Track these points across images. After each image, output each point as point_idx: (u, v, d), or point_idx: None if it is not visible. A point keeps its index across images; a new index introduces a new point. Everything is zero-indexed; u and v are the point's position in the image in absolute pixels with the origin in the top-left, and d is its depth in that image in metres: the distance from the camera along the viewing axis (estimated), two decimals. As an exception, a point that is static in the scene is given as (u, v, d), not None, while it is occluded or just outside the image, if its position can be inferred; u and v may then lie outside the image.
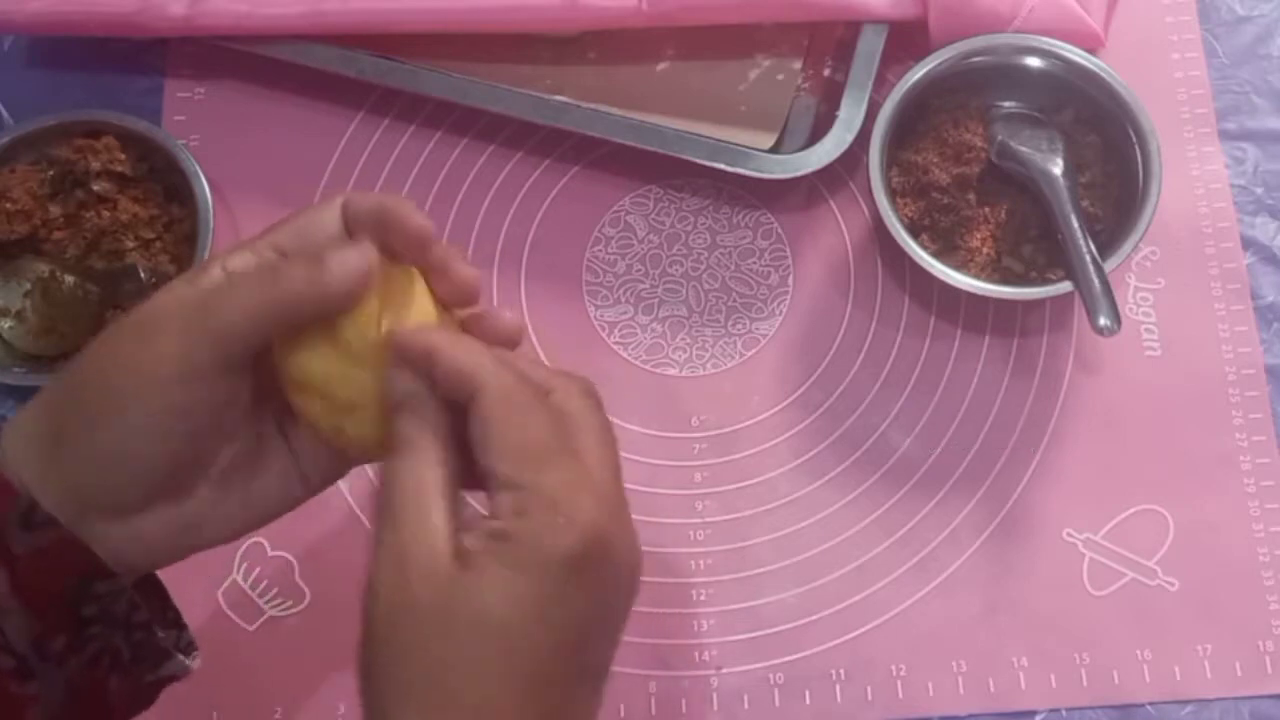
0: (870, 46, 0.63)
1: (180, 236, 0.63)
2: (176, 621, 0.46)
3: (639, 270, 0.65)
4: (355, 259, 0.40)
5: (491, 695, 0.35)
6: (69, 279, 0.62)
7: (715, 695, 0.58)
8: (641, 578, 0.40)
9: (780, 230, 0.65)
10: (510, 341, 0.43)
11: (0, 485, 0.42)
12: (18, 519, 0.41)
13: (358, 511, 0.61)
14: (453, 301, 0.44)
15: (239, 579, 0.60)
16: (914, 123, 0.63)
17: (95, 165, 0.62)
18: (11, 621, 0.41)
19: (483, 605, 0.36)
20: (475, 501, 0.39)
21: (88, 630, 0.43)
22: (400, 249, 0.42)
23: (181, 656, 0.45)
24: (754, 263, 0.65)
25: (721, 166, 0.61)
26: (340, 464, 0.46)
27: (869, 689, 0.58)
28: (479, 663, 0.35)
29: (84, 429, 0.41)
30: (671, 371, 0.63)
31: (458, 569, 0.36)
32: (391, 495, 0.38)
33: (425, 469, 0.38)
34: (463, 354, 0.39)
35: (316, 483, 0.45)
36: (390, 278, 0.42)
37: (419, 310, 0.42)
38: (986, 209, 0.61)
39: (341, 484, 0.61)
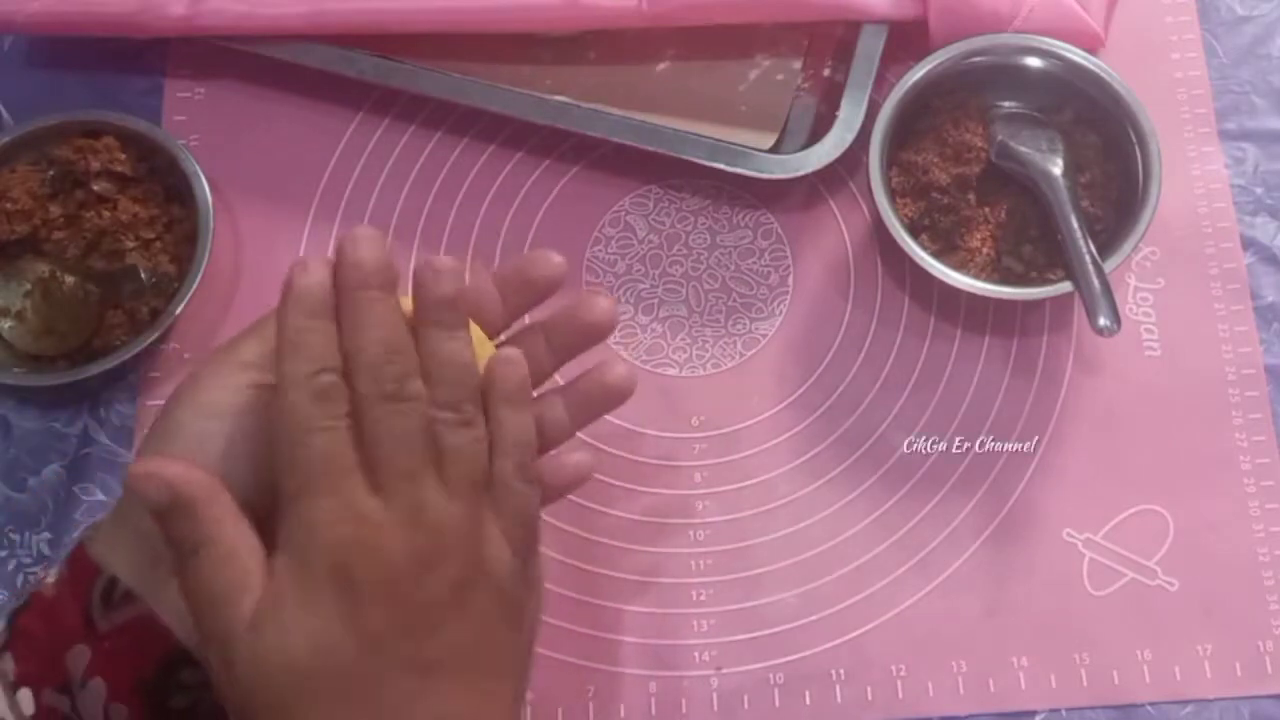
0: (870, 46, 0.63)
1: (180, 236, 0.63)
2: None
3: (639, 270, 0.65)
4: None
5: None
6: (69, 279, 0.62)
7: (715, 695, 0.58)
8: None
9: (780, 230, 0.65)
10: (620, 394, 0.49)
11: (84, 565, 0.43)
12: (100, 596, 0.42)
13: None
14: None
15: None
16: (914, 123, 0.63)
17: (95, 165, 0.62)
18: (87, 699, 0.41)
19: (274, 659, 0.39)
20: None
21: None
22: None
23: None
24: (754, 263, 0.65)
25: (721, 166, 0.61)
26: None
27: (869, 689, 0.58)
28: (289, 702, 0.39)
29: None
30: (671, 371, 0.63)
31: (252, 637, 0.39)
32: (197, 594, 0.40)
33: (224, 565, 0.40)
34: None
35: None
36: None
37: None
38: (986, 209, 0.61)
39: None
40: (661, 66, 0.66)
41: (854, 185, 0.66)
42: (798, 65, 0.66)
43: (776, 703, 0.58)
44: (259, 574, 0.39)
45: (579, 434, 0.51)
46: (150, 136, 0.63)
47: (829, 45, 0.66)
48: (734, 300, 0.64)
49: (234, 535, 0.40)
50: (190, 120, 0.67)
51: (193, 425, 0.43)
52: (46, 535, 0.61)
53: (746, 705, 0.58)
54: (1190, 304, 0.63)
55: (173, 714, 0.43)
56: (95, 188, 0.62)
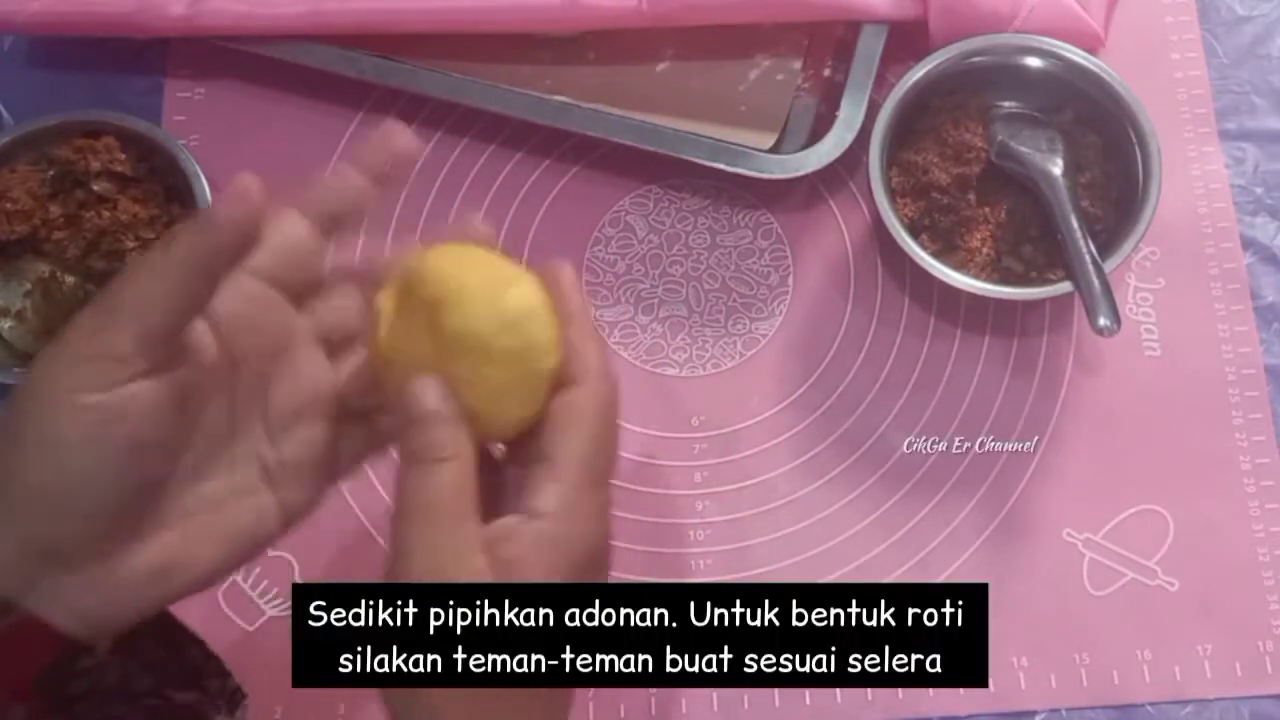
0: (870, 46, 0.63)
1: (180, 236, 0.63)
2: (219, 671, 0.45)
3: (639, 270, 0.65)
4: (239, 184, 0.40)
5: None
6: (69, 279, 0.62)
7: (715, 695, 0.58)
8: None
9: (780, 230, 0.65)
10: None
11: None
12: None
13: (357, 511, 0.61)
14: None
15: (239, 579, 0.60)
16: (914, 123, 0.63)
17: (95, 165, 0.62)
18: None
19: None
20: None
21: (74, 708, 0.42)
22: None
23: (222, 717, 0.42)
24: (754, 263, 0.65)
25: (721, 166, 0.61)
26: (320, 492, 0.45)
27: (869, 689, 0.58)
28: None
29: (22, 472, 0.38)
30: (671, 371, 0.63)
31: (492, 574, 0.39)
32: (428, 501, 0.40)
33: (465, 479, 0.40)
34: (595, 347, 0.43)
35: (295, 515, 0.44)
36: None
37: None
38: (986, 209, 0.61)
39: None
40: (661, 66, 0.66)
41: (854, 185, 0.66)
42: (798, 65, 0.66)
43: (777, 703, 0.58)
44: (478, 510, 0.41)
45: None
46: (150, 136, 0.63)
47: (829, 45, 0.66)
48: (734, 300, 0.64)
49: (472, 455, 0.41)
50: (190, 120, 0.67)
51: (69, 441, 0.38)
52: (46, 535, 0.61)
53: (747, 705, 0.58)
54: (1190, 304, 0.63)
55: (73, 700, 0.42)
56: (95, 188, 0.62)
